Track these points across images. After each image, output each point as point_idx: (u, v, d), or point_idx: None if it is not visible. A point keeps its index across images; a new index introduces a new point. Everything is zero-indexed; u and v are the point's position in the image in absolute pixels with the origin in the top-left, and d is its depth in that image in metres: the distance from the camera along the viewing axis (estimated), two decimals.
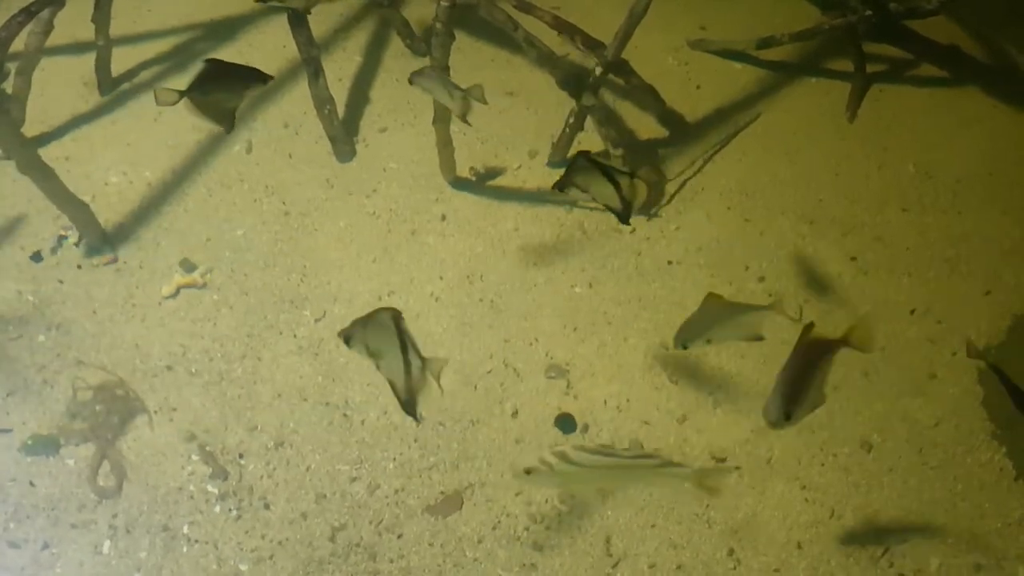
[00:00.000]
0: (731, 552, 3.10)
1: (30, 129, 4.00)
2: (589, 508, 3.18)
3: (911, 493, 3.23)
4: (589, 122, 4.03)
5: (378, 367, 2.31)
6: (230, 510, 3.14)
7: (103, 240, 3.80)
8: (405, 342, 2.25)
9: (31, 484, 3.16)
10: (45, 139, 4.14)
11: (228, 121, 2.78)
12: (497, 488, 3.22)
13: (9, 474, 3.18)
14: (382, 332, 2.24)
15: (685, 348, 2.87)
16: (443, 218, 3.98)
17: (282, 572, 3.02)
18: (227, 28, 4.75)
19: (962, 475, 3.27)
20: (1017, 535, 3.14)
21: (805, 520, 3.17)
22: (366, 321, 2.27)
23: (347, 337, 2.29)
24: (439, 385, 2.33)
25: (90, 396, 3.35)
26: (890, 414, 3.42)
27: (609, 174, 2.85)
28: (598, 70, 3.88)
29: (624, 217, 2.90)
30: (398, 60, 4.66)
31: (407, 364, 2.24)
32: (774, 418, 2.57)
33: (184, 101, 2.73)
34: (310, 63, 3.95)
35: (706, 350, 3.56)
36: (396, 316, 2.24)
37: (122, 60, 4.48)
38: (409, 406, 2.28)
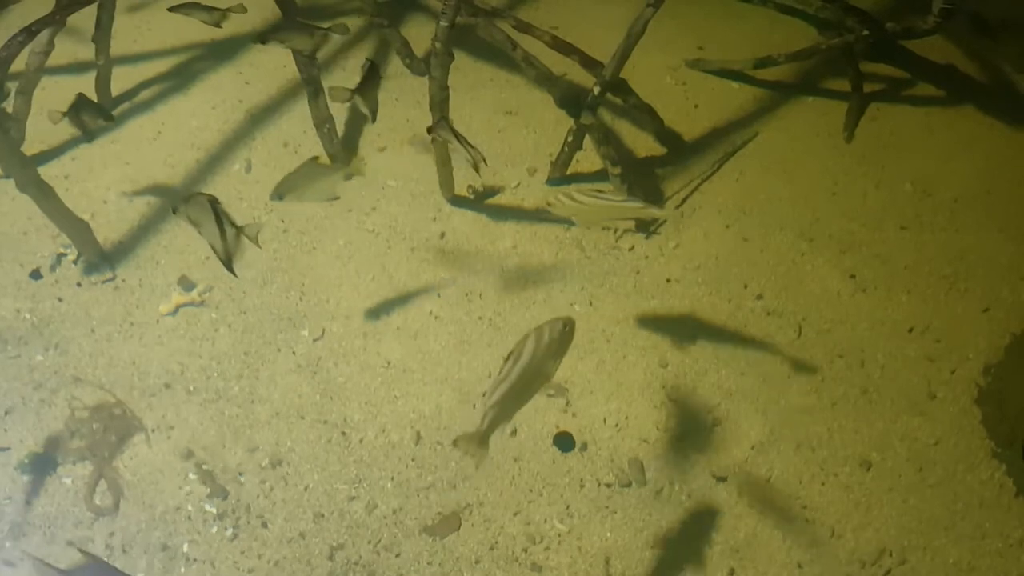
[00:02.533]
0: (731, 572, 3.08)
1: (30, 148, 4.01)
2: (589, 528, 3.17)
3: (911, 512, 3.22)
4: (587, 140, 4.04)
5: (200, 232, 2.83)
6: (227, 529, 3.12)
7: (102, 258, 3.80)
8: (220, 217, 2.79)
9: (27, 502, 3.15)
10: (45, 158, 4.15)
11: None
12: (495, 508, 3.21)
13: (5, 492, 3.16)
14: (201, 208, 2.80)
15: (281, 199, 3.08)
16: (442, 236, 3.98)
17: None
18: (228, 48, 4.78)
19: (962, 494, 3.26)
20: (1018, 555, 3.13)
21: (805, 540, 3.16)
22: (188, 199, 2.83)
23: (174, 208, 2.86)
24: (258, 244, 2.89)
25: (87, 414, 3.34)
26: (890, 433, 3.42)
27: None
28: (596, 89, 3.89)
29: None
30: (397, 80, 4.68)
31: (222, 233, 2.79)
32: None
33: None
34: (310, 83, 3.96)
35: (706, 368, 3.56)
36: (212, 200, 2.79)
37: (122, 80, 4.49)
38: (228, 263, 2.82)
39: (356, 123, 4.46)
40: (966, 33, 4.43)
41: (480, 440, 2.51)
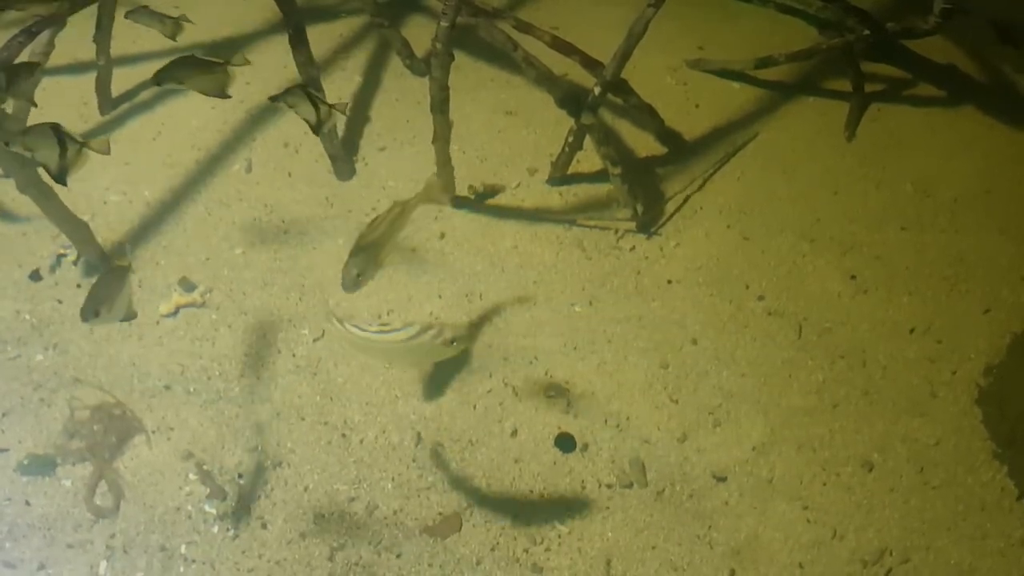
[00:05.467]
0: (732, 573, 3.08)
1: None
2: (590, 529, 3.16)
3: (913, 513, 3.22)
4: (588, 141, 4.04)
5: (34, 157, 2.90)
6: (228, 530, 3.12)
7: (102, 259, 3.79)
8: (62, 136, 2.87)
9: (27, 503, 3.14)
10: None
11: None
12: (496, 509, 3.20)
13: (5, 493, 3.16)
14: (41, 134, 2.88)
15: (159, 85, 3.08)
16: (442, 236, 3.98)
17: None
18: (227, 48, 4.77)
19: (963, 495, 3.26)
20: (1019, 556, 3.13)
21: (807, 540, 3.16)
22: (27, 129, 2.92)
23: (6, 141, 2.91)
24: (107, 151, 2.95)
25: (87, 415, 3.33)
26: (891, 433, 3.41)
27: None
28: (597, 89, 3.89)
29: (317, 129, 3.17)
30: (397, 80, 4.68)
31: (63, 149, 2.86)
32: None
33: None
34: (310, 82, 3.95)
35: (707, 369, 3.56)
36: (55, 126, 2.89)
37: (122, 80, 4.49)
38: (61, 177, 2.90)
39: (357, 123, 4.46)
40: (991, 41, 4.46)
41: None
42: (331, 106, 3.14)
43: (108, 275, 2.88)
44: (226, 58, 3.16)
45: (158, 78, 3.09)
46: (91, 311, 2.81)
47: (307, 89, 3.12)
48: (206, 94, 3.19)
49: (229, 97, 3.21)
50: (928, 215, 4.14)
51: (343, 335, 2.78)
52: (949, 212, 4.15)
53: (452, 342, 2.74)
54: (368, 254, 2.77)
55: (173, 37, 3.57)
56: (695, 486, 3.27)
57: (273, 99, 3.09)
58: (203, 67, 3.15)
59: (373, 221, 2.83)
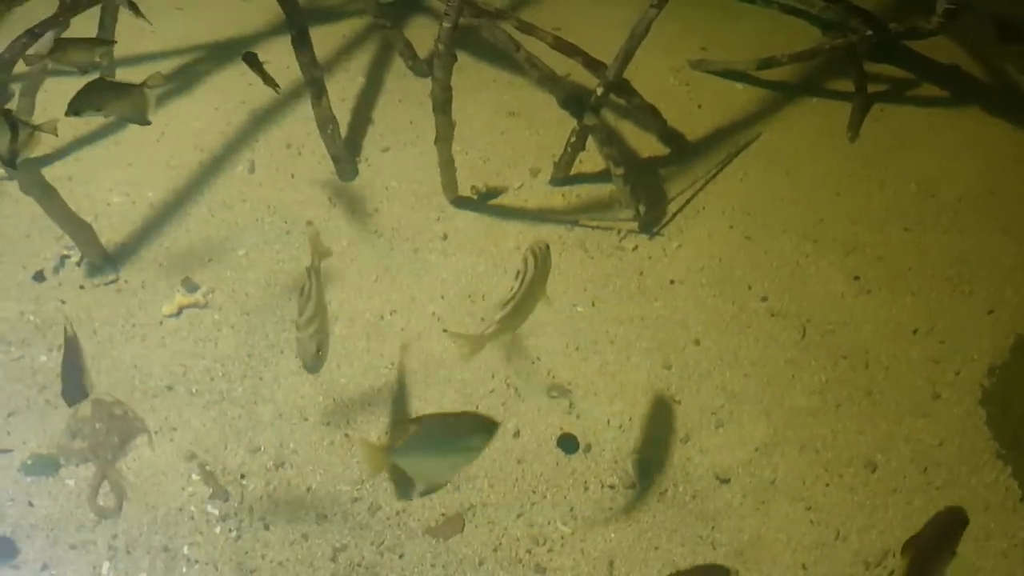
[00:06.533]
0: (736, 574, 3.07)
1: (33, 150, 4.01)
2: (592, 530, 3.16)
3: (916, 514, 3.21)
4: (590, 141, 4.03)
5: None
6: (230, 531, 3.12)
7: (105, 260, 3.80)
8: (14, 121, 2.92)
9: (30, 504, 3.15)
10: (48, 159, 4.15)
11: None
12: (499, 510, 3.20)
13: (8, 494, 3.16)
14: None
15: (78, 115, 3.06)
16: (445, 237, 3.98)
17: None
18: (230, 49, 4.78)
19: (967, 496, 3.25)
20: (1023, 557, 3.12)
21: (810, 541, 3.15)
22: None
23: None
24: (55, 133, 3.04)
25: (90, 416, 3.33)
26: (894, 434, 3.41)
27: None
28: (599, 90, 3.89)
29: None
30: (400, 81, 4.69)
31: (14, 134, 2.91)
32: None
33: None
34: (313, 84, 3.96)
35: (709, 370, 3.55)
36: (5, 111, 2.94)
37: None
38: (11, 160, 2.96)
39: (360, 124, 4.46)
40: (993, 41, 4.46)
41: (476, 342, 2.68)
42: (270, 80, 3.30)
43: (69, 349, 2.82)
44: (143, 79, 3.10)
45: (75, 108, 3.04)
46: (79, 392, 2.80)
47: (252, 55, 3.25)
48: (127, 120, 3.15)
49: (149, 123, 3.16)
50: (931, 216, 4.13)
51: (501, 329, 2.75)
52: (952, 212, 4.14)
53: (546, 247, 2.90)
54: (316, 327, 2.73)
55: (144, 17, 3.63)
56: (698, 487, 3.27)
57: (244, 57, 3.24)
58: (118, 91, 3.08)
59: (301, 290, 2.78)
